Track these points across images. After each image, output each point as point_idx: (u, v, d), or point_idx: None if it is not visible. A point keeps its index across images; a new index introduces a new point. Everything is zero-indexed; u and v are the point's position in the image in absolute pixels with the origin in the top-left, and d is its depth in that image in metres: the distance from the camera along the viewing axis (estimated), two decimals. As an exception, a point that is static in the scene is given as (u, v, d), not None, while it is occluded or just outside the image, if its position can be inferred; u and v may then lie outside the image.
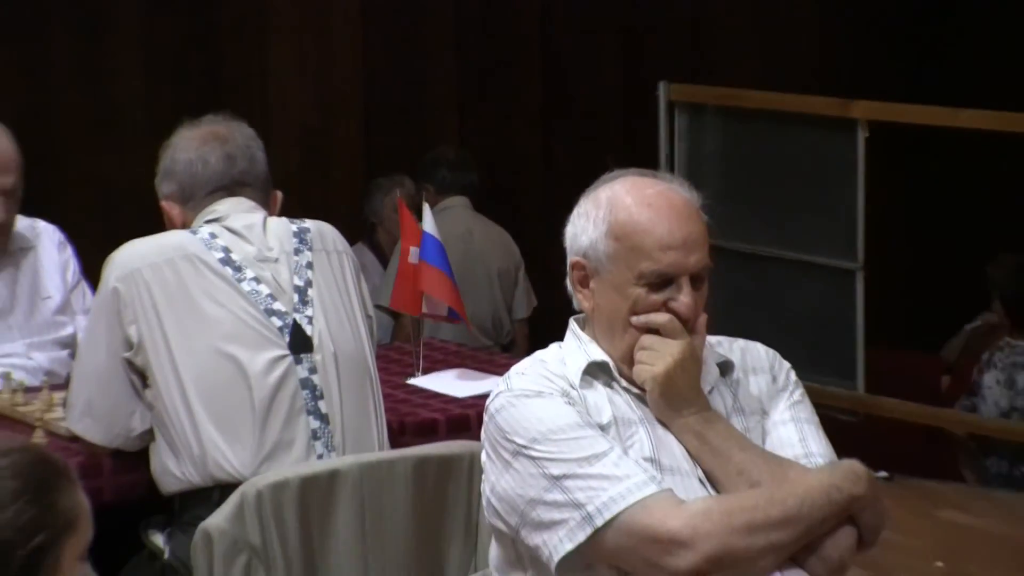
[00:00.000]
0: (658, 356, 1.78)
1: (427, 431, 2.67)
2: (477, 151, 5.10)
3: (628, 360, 1.82)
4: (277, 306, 2.34)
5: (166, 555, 2.29)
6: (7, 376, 2.72)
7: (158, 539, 2.33)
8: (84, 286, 3.07)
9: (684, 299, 1.78)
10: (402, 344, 3.45)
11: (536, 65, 5.77)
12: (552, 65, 5.79)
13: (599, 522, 1.68)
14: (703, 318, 1.84)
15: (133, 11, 4.97)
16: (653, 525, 1.68)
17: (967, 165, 5.79)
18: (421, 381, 2.94)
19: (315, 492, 2.17)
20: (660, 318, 1.78)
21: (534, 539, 1.73)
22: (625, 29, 5.86)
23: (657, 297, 1.78)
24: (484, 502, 1.87)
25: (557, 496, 1.71)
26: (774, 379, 1.94)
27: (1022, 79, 5.74)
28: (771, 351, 1.99)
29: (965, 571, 2.99)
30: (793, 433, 1.88)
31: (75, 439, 2.37)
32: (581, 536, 1.69)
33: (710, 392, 1.85)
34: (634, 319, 1.80)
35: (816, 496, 1.75)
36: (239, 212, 2.39)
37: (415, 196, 4.12)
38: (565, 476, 1.71)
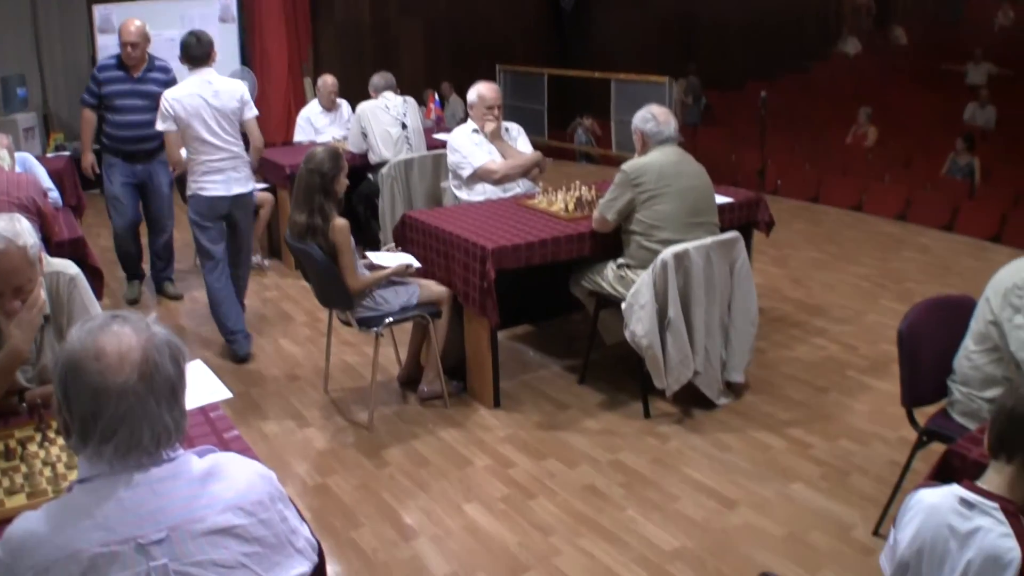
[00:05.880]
0: (489, 127, 5.76)
1: (436, 146, 7.31)
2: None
3: (482, 128, 5.78)
4: (397, 117, 6.96)
5: (372, 179, 6.99)
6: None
7: (371, 176, 6.99)
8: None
9: (497, 113, 5.84)
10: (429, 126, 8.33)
11: None
12: None
13: (476, 167, 5.48)
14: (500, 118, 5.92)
15: None
16: (489, 167, 5.71)
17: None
18: (438, 136, 7.78)
19: (410, 164, 6.77)
20: (489, 117, 5.82)
21: (459, 172, 5.53)
22: None
23: (489, 114, 5.79)
24: (448, 162, 5.91)
25: (465, 161, 5.54)
26: (519, 131, 5.79)
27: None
28: (518, 125, 5.86)
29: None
30: (523, 145, 5.91)
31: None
32: (472, 169, 5.46)
33: (506, 133, 5.73)
34: (483, 121, 5.76)
35: (531, 161, 5.83)
36: (390, 93, 7.02)
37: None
38: (466, 156, 5.54)
